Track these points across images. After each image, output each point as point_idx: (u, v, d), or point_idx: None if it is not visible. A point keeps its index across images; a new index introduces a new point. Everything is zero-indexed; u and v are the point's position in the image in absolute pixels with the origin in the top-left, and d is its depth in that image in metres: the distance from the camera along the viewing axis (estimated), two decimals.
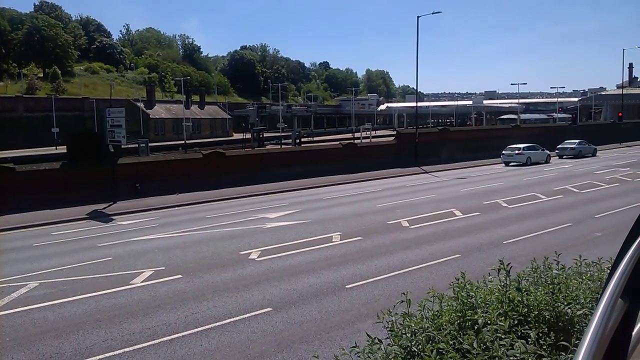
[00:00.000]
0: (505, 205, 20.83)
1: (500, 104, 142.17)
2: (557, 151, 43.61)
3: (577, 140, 44.84)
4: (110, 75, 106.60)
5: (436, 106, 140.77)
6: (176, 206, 24.07)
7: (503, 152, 39.04)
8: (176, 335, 8.86)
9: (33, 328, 9.49)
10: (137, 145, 47.37)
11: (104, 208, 23.38)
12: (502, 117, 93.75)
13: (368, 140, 60.20)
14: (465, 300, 4.39)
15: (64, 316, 10.06)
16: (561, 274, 4.98)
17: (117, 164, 25.89)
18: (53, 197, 23.57)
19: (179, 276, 12.39)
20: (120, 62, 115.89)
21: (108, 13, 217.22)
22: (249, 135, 71.55)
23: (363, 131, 71.38)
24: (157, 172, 28.12)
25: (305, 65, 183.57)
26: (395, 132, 49.60)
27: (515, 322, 4.01)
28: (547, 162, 39.42)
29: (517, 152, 38.07)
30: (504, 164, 38.78)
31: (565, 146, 44.15)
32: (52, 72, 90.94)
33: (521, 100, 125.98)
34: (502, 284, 4.69)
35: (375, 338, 4.03)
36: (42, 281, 12.40)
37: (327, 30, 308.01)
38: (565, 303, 4.24)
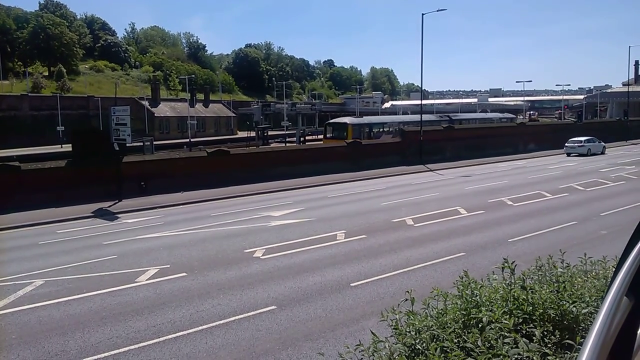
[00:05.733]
0: (511, 203, 20.78)
1: (505, 101, 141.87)
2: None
3: None
4: (115, 73, 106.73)
5: (441, 104, 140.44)
6: (181, 204, 24.10)
7: (566, 144, 43.17)
8: (181, 333, 8.89)
9: (39, 325, 9.54)
10: (142, 144, 47.47)
11: (109, 206, 23.44)
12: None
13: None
14: (470, 299, 4.38)
15: (69, 314, 10.10)
16: (566, 273, 4.97)
17: (122, 162, 25.95)
18: (58, 195, 23.65)
19: (184, 274, 12.43)
20: (125, 61, 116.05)
21: (113, 11, 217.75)
22: (253, 134, 71.53)
23: None
24: (162, 170, 28.16)
25: (310, 63, 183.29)
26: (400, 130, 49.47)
27: (520, 320, 4.00)
28: (602, 152, 43.10)
29: (579, 144, 42.50)
30: (566, 155, 42.53)
31: None
32: (57, 70, 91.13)
33: (526, 98, 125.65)
34: (507, 282, 4.68)
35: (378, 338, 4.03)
36: (48, 279, 12.46)
37: (332, 28, 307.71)
38: (570, 301, 4.23)
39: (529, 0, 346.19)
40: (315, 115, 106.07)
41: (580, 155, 41.61)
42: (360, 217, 19.05)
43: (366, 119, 55.35)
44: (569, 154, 42.57)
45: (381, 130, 50.90)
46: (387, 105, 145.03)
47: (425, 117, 61.56)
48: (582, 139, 43.03)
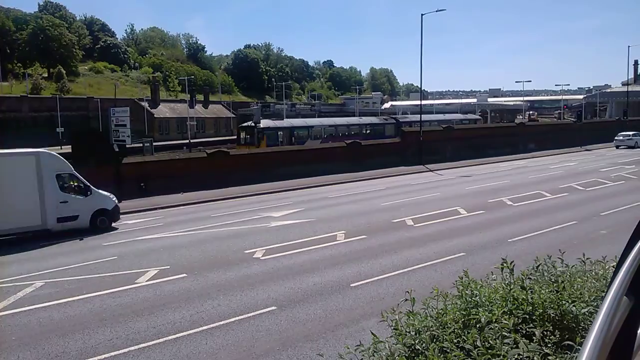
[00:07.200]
0: (510, 203, 20.77)
1: (505, 101, 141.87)
2: None
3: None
4: (115, 74, 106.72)
5: (440, 104, 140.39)
6: (181, 205, 24.10)
7: (616, 137, 48.27)
8: (181, 334, 8.89)
9: (39, 327, 9.53)
10: (141, 145, 47.57)
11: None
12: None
13: None
14: (470, 299, 4.38)
15: (69, 315, 10.10)
16: (566, 272, 4.96)
17: (121, 164, 25.96)
18: None
19: (184, 275, 12.42)
20: (124, 62, 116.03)
21: (112, 13, 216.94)
22: None
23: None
24: (161, 171, 28.16)
25: (309, 63, 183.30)
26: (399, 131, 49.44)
27: (520, 320, 3.99)
28: None
29: (627, 138, 47.82)
30: (615, 147, 47.19)
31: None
32: (57, 72, 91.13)
33: (526, 98, 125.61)
34: (506, 282, 4.68)
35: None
36: (48, 280, 12.46)
37: (331, 28, 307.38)
38: (570, 301, 4.22)
39: (528, 1, 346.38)
40: (315, 116, 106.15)
41: (628, 147, 46.61)
42: (361, 217, 19.05)
43: (287, 122, 50.55)
44: (618, 147, 47.51)
45: (307, 134, 47.01)
46: (386, 105, 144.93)
47: (367, 119, 58.19)
48: (630, 133, 48.34)
